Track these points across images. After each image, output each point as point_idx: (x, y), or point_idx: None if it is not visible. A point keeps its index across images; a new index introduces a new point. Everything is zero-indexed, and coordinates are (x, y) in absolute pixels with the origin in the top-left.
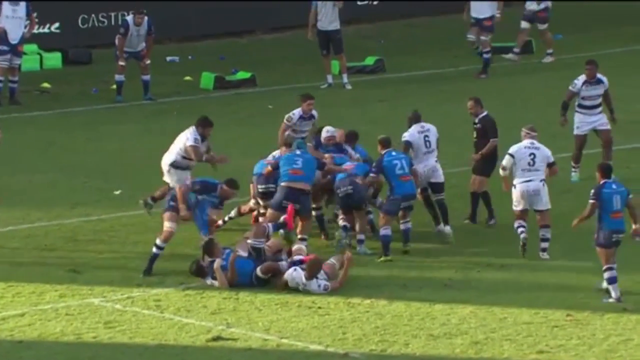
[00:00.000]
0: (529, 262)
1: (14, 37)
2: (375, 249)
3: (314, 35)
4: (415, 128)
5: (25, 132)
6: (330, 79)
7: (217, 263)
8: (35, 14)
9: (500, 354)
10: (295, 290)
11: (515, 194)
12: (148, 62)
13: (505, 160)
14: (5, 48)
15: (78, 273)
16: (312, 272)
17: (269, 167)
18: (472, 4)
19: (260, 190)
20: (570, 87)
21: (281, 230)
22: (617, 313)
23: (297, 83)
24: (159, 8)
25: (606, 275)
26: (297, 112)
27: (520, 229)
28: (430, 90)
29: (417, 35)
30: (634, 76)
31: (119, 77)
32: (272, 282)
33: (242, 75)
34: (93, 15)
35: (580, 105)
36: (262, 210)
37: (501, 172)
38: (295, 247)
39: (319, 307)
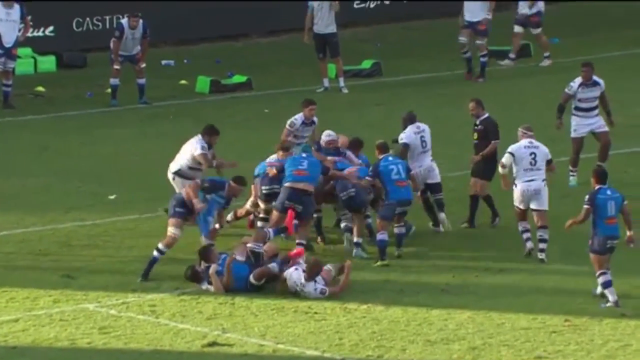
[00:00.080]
0: (527, 267)
1: (8, 40)
2: (372, 254)
3: (310, 39)
4: (411, 129)
5: (19, 136)
6: (326, 82)
7: (213, 268)
8: (29, 17)
9: None
10: (291, 295)
11: (517, 192)
12: (143, 65)
13: (505, 158)
14: None
15: (72, 278)
16: (313, 273)
17: (274, 170)
18: (466, 6)
19: (264, 191)
20: (566, 90)
21: (282, 235)
22: (615, 318)
23: (293, 87)
24: (154, 11)
25: (600, 280)
26: (299, 117)
27: (525, 235)
28: (427, 94)
29: (414, 38)
30: (633, 80)
31: (113, 80)
32: (268, 287)
33: (238, 78)
34: (88, 18)
35: (577, 108)
36: (261, 215)
37: (500, 169)
38: (292, 252)
39: (316, 313)
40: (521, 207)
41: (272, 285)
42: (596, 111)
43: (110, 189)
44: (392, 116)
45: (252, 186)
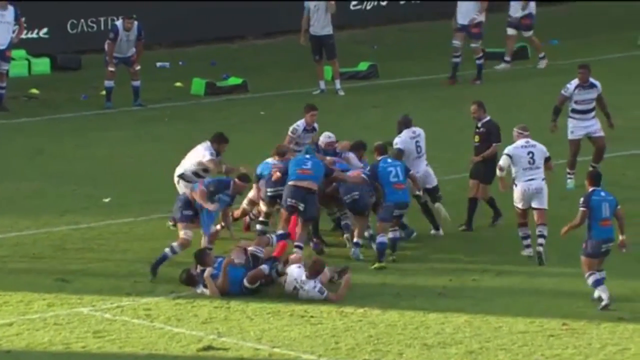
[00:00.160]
0: (524, 270)
1: (1, 42)
2: (369, 257)
3: (306, 41)
4: (407, 134)
5: (13, 139)
6: (322, 84)
7: (208, 272)
8: (23, 19)
9: None
10: (287, 298)
11: (517, 192)
12: (138, 67)
13: (503, 160)
14: None
15: (67, 282)
16: (314, 271)
17: (278, 173)
18: (459, 10)
19: (269, 193)
20: (562, 91)
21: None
22: (613, 322)
23: (289, 89)
24: (149, 13)
25: (590, 280)
26: (300, 123)
27: (525, 242)
28: (424, 96)
29: (411, 40)
30: (632, 82)
31: (108, 83)
32: (263, 290)
33: (233, 81)
34: (82, 20)
35: (573, 110)
36: (260, 218)
37: (498, 172)
38: (292, 256)
39: (312, 316)
40: (521, 206)
41: (267, 289)
42: (593, 113)
43: (105, 192)
44: (389, 118)
45: (254, 185)
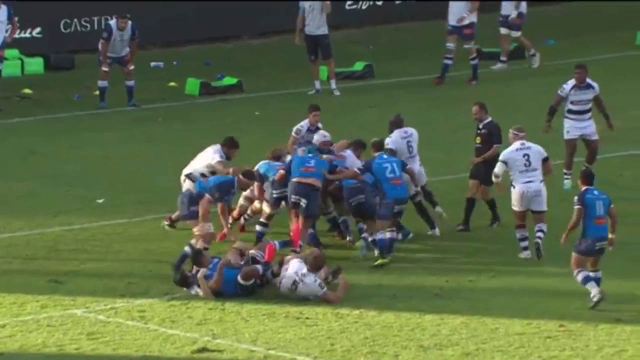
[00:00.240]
0: (522, 270)
1: None
2: (368, 258)
3: (301, 40)
4: (398, 134)
5: (6, 139)
6: (318, 84)
7: (201, 272)
8: (16, 18)
9: None
10: (282, 300)
11: (515, 194)
12: (132, 67)
13: (498, 168)
14: None
15: (60, 283)
16: (316, 265)
17: (282, 172)
18: (450, 10)
19: (275, 195)
20: (558, 92)
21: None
22: (611, 324)
23: (285, 89)
24: (143, 12)
25: (579, 277)
26: (304, 124)
27: (522, 243)
28: (419, 96)
29: (406, 40)
30: (628, 82)
31: (102, 82)
32: (258, 292)
33: (228, 81)
34: (76, 19)
35: (569, 111)
36: (261, 219)
37: (494, 179)
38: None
39: (307, 318)
40: (517, 209)
41: (262, 291)
42: (589, 114)
43: (99, 193)
44: (384, 118)
45: (255, 184)
